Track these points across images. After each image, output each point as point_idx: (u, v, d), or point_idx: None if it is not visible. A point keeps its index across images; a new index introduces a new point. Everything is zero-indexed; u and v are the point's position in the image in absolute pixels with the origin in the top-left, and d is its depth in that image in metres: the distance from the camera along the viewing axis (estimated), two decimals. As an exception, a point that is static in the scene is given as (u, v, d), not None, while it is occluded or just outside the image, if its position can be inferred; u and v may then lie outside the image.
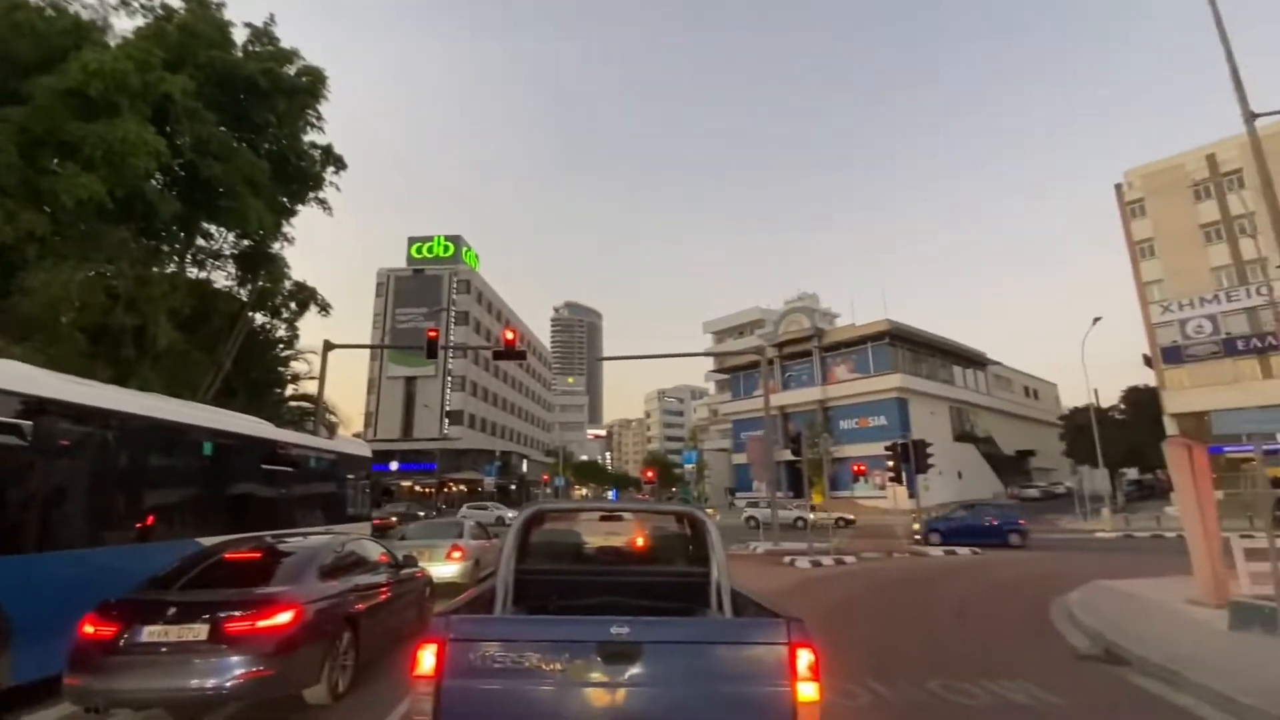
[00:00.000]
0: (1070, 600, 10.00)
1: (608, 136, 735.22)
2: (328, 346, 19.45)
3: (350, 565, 6.41)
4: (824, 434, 46.86)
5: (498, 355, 20.66)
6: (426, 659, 2.77)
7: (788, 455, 40.04)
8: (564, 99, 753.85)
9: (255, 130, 17.58)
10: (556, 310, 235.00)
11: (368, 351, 67.32)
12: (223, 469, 8.90)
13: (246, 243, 18.48)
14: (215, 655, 4.54)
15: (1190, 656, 6.37)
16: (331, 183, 19.97)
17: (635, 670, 2.77)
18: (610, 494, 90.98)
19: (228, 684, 4.48)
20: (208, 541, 7.04)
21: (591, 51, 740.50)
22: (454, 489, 65.06)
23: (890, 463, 21.00)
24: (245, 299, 19.19)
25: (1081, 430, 41.00)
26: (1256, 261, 36.66)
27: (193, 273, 18.22)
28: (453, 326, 67.19)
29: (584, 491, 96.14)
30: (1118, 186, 44.07)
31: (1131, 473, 47.24)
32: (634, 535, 5.64)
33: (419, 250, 71.55)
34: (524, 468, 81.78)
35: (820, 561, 16.50)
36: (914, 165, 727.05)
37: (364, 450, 14.95)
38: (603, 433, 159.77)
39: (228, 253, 18.85)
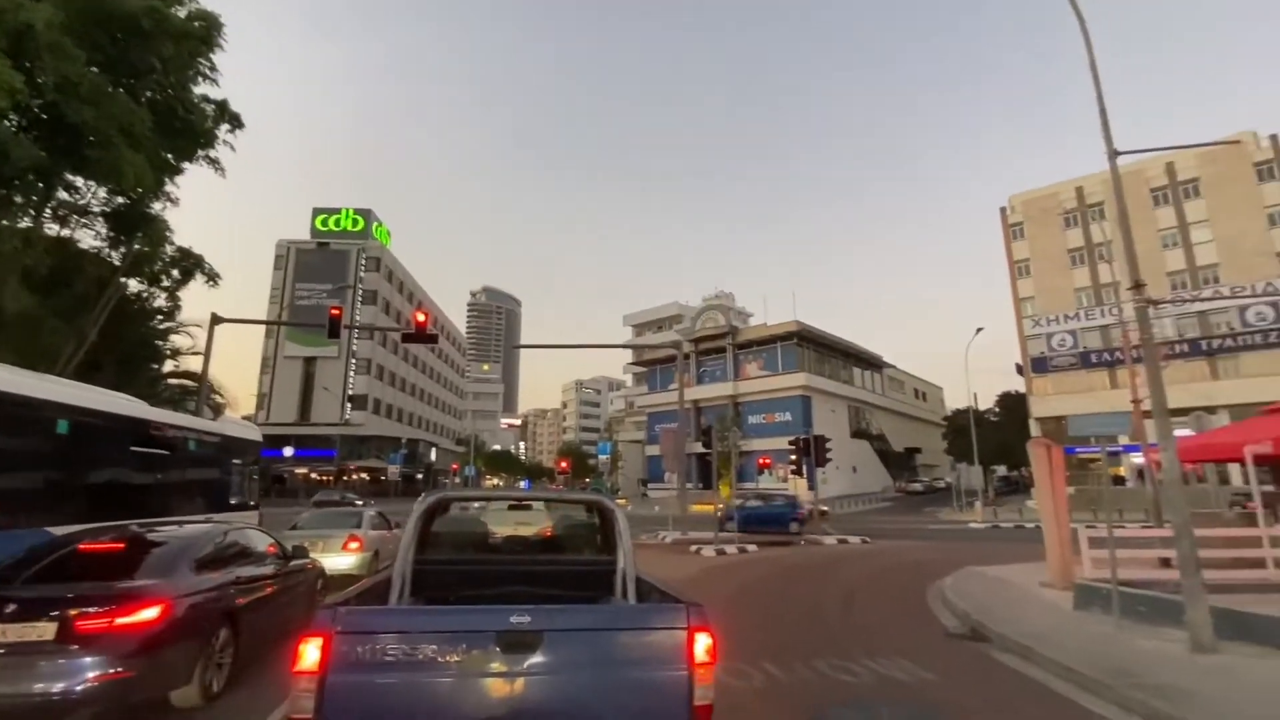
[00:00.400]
0: (944, 584, 10.94)
1: (533, 127, 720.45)
2: (215, 320, 17.87)
3: (232, 556, 5.96)
4: (734, 428, 48.52)
5: (407, 338, 19.70)
6: (310, 653, 2.62)
7: (699, 448, 41.18)
8: (490, 86, 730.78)
9: (136, 76, 15.75)
10: (474, 295, 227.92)
11: (262, 328, 62.60)
12: (82, 450, 8.01)
13: (121, 200, 16.55)
14: (64, 656, 4.07)
15: (1040, 633, 7.14)
16: (226, 141, 18.26)
17: (535, 659, 2.75)
18: (523, 484, 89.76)
19: (78, 688, 4.03)
20: (60, 531, 6.22)
21: (522, 39, 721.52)
22: (355, 477, 61.82)
23: (793, 456, 22.05)
24: (118, 263, 17.23)
25: (961, 430, 44.94)
26: (1111, 285, 41.34)
27: (53, 230, 16.13)
28: (359, 305, 63.65)
29: (496, 481, 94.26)
30: (1002, 209, 48.44)
31: (1002, 469, 52.24)
32: (543, 525, 5.60)
33: (324, 222, 67.00)
34: (432, 456, 78.98)
35: (725, 550, 17.09)
36: (828, 178, 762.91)
37: (252, 433, 13.95)
38: (518, 422, 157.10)
39: (97, 209, 16.81)
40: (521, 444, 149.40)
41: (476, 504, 7.08)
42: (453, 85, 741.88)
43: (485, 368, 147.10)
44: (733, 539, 18.80)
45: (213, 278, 19.57)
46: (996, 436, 45.62)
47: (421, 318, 19.17)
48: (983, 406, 50.72)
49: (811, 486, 30.81)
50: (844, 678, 5.85)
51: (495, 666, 2.73)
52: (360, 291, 64.35)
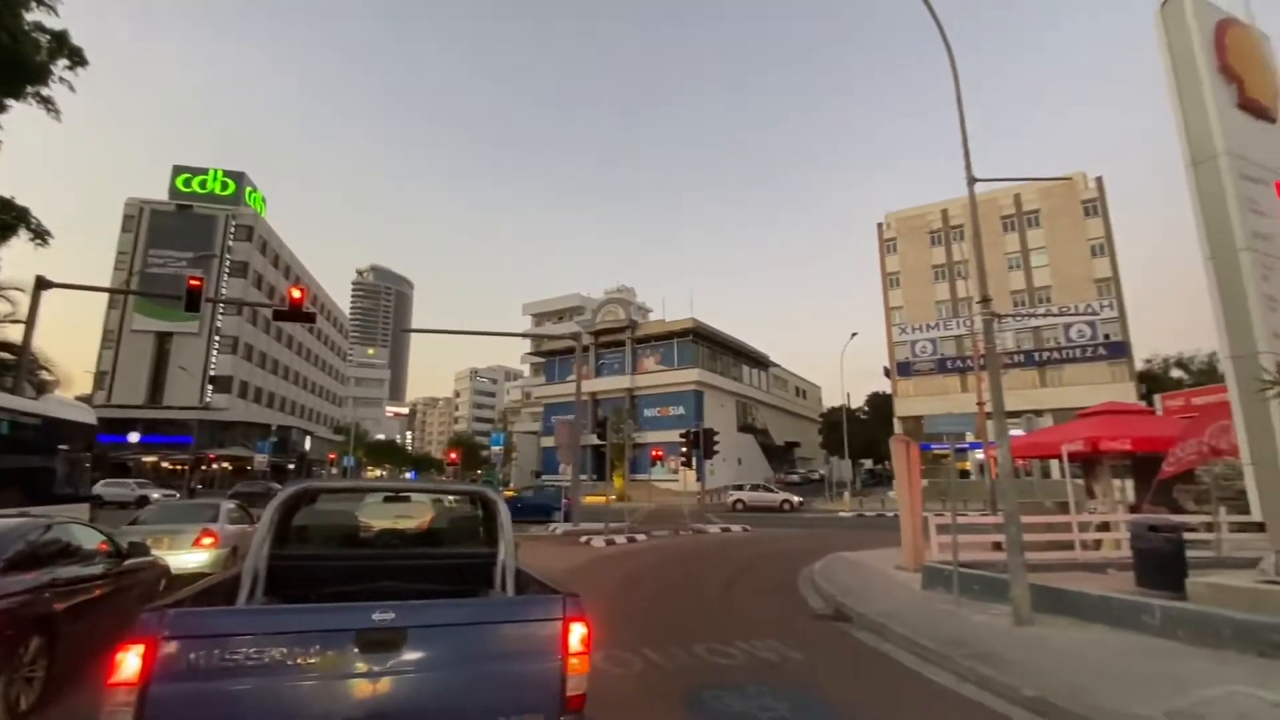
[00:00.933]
0: (814, 569, 11.77)
1: (433, 111, 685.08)
2: (41, 284, 15.43)
3: (51, 555, 5.20)
4: (629, 420, 49.21)
5: (280, 315, 18.01)
6: (129, 662, 2.34)
7: (595, 439, 41.39)
8: (391, 66, 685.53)
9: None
10: (361, 274, 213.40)
11: (106, 297, 54.94)
12: None
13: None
14: None
15: (892, 612, 7.87)
16: (63, 79, 15.80)
17: (399, 657, 2.63)
18: (409, 476, 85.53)
19: None
20: None
21: (420, 24, 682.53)
22: (215, 467, 56.01)
23: (684, 449, 22.74)
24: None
25: (835, 427, 48.48)
26: (965, 300, 46.37)
27: None
28: (226, 277, 57.62)
29: (379, 473, 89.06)
30: (879, 225, 52.68)
31: (869, 463, 56.96)
32: (423, 518, 5.36)
33: (187, 183, 59.83)
34: (307, 445, 73.19)
35: (614, 540, 17.31)
36: (721, 179, 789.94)
37: (82, 415, 12.39)
38: (405, 410, 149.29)
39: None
40: (409, 434, 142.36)
41: (350, 496, 6.64)
42: (347, 60, 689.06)
43: (371, 352, 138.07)
44: (623, 529, 19.08)
45: (41, 235, 16.88)
46: (865, 433, 49.66)
47: (297, 294, 17.63)
48: (855, 405, 55.13)
49: (700, 478, 31.99)
50: (720, 660, 6.13)
51: (354, 667, 2.57)
52: (228, 262, 58.22)
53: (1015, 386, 40.42)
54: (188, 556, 9.48)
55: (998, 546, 10.25)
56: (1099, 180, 45.09)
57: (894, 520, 12.13)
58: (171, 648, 2.39)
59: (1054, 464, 30.66)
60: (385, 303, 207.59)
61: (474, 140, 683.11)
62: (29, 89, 15.34)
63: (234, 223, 59.75)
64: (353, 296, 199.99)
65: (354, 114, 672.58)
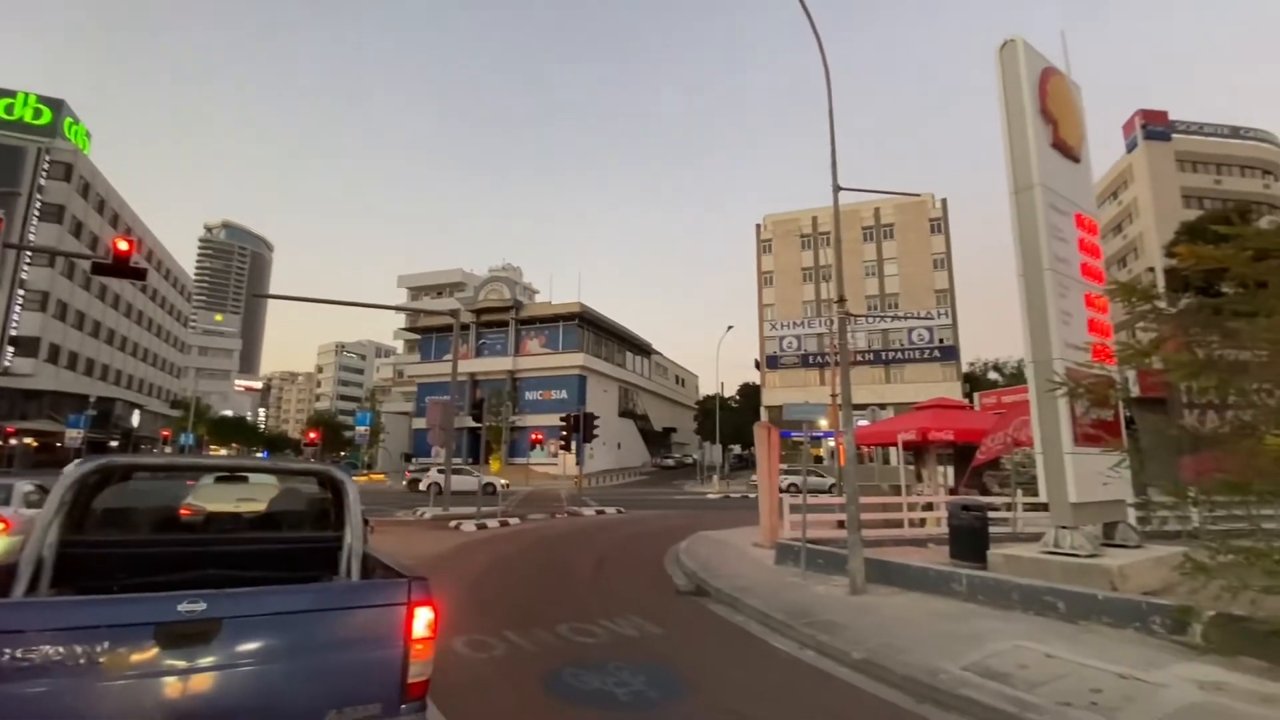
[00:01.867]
0: (680, 548, 12.29)
1: (309, 64, 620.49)
2: None
3: None
4: (509, 403, 48.19)
5: (100, 270, 15.33)
6: None
7: (470, 421, 40.06)
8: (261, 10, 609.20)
9: None
10: (210, 230, 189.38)
11: None
12: None
13: None
14: None
15: (747, 586, 8.42)
16: None
17: (212, 653, 2.38)
18: (261, 455, 77.83)
19: None
20: None
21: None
22: (14, 442, 47.48)
23: (564, 433, 22.68)
24: None
25: (709, 414, 50.81)
26: (828, 301, 50.26)
27: None
28: (35, 221, 48.66)
29: (223, 452, 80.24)
30: (757, 226, 55.56)
31: (738, 449, 60.26)
32: (267, 500, 4.89)
33: (-18, 104, 49.62)
34: (134, 420, 64.13)
35: (485, 524, 16.94)
36: (617, 174, 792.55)
37: None
38: (258, 385, 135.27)
39: None
40: (262, 411, 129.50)
41: (175, 475, 5.92)
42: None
43: (219, 318, 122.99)
44: (496, 513, 18.72)
45: None
46: (736, 420, 52.44)
47: (124, 245, 15.22)
48: (728, 394, 58.00)
49: (579, 462, 32.09)
50: (582, 639, 6.23)
51: (158, 665, 2.29)
52: (38, 203, 49.19)
53: (864, 381, 44.70)
54: (-36, 547, 8.01)
55: (841, 525, 11.30)
56: (943, 201, 50.77)
57: (755, 501, 12.96)
58: None
59: (892, 451, 34.30)
60: (239, 264, 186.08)
61: (345, 98, 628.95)
62: None
63: (48, 157, 50.49)
64: (199, 255, 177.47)
65: (211, 57, 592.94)
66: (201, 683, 2.34)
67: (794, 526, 10.83)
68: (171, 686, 2.30)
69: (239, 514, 4.43)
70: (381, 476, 49.68)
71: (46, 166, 50.30)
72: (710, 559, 10.81)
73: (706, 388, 77.99)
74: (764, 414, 48.17)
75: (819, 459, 43.76)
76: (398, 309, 60.74)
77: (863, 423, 17.30)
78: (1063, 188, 9.30)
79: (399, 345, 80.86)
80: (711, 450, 39.85)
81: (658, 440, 66.47)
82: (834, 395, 17.40)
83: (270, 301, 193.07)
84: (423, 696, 2.75)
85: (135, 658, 2.26)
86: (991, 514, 10.00)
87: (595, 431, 23.20)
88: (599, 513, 21.51)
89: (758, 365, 53.31)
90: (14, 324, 48.14)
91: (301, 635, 2.57)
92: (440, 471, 26.46)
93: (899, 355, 49.36)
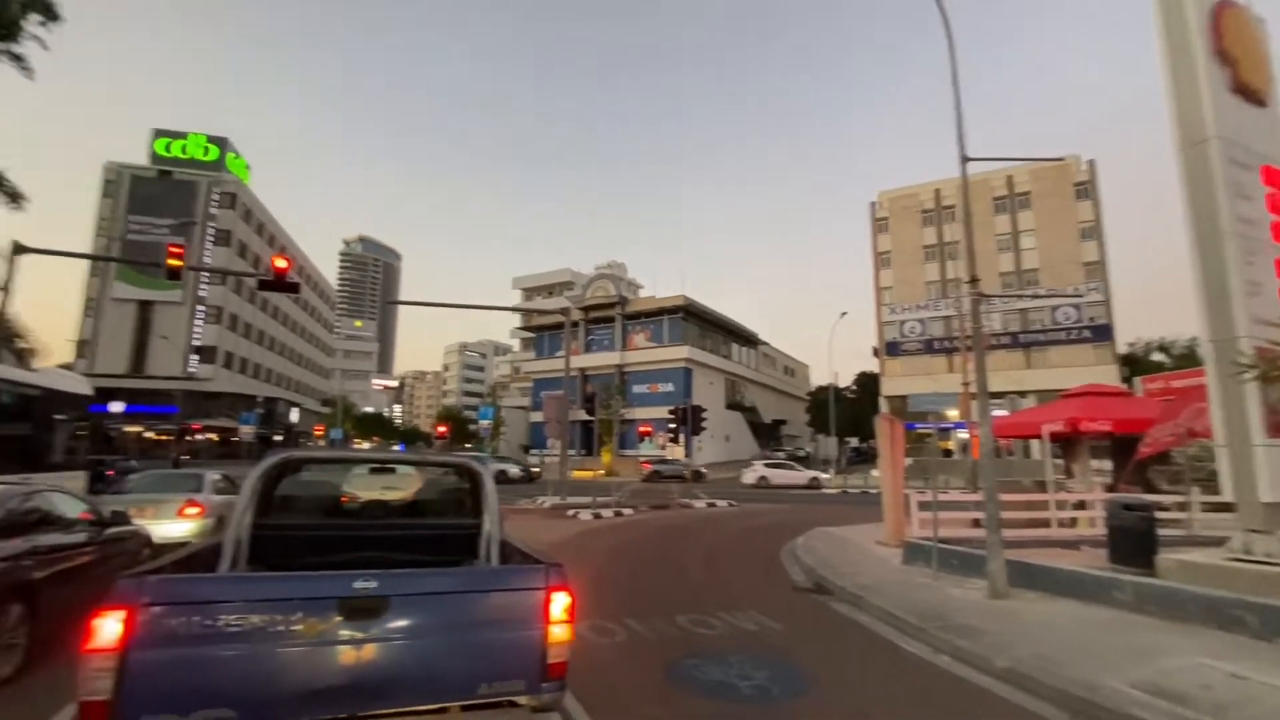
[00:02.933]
0: (796, 544, 11.97)
1: (430, 87, 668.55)
2: (18, 249, 15.05)
3: (31, 523, 5.17)
4: (618, 396, 49.30)
5: (264, 285, 17.68)
6: (107, 628, 2.34)
7: (583, 415, 41.52)
8: (373, 32, 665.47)
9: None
10: (348, 244, 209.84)
11: (86, 265, 53.82)
12: None
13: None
14: None
15: (872, 585, 8.04)
16: (35, 36, 15.18)
17: (381, 625, 2.67)
18: (398, 448, 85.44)
19: None
20: None
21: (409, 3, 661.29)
22: (201, 438, 55.66)
23: (672, 425, 22.86)
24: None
25: (822, 405, 48.93)
26: (955, 280, 46.46)
27: None
28: (209, 246, 56.52)
29: (366, 445, 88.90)
30: (871, 204, 52.47)
31: (854, 441, 57.59)
32: (411, 489, 5.36)
33: (167, 147, 58.25)
34: (294, 417, 72.82)
35: (601, 514, 17.47)
36: (717, 164, 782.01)
37: (78, 386, 12.39)
38: (394, 383, 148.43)
39: None
40: (397, 407, 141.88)
41: (335, 466, 6.63)
42: (336, 30, 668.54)
43: (358, 324, 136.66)
44: (611, 504, 19.25)
45: (15, 198, 16.40)
46: (852, 412, 50.19)
47: (282, 263, 17.34)
48: (843, 384, 55.53)
49: (688, 454, 32.27)
50: (701, 630, 6.25)
51: (337, 634, 2.61)
52: (211, 230, 57.08)
53: (1000, 368, 40.93)
54: (172, 526, 9.46)
55: (977, 523, 10.46)
56: (1091, 163, 45.12)
57: (877, 497, 12.31)
58: (151, 614, 2.40)
59: (1035, 444, 31.20)
60: (373, 274, 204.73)
61: (465, 113, 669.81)
62: (-1, 46, 14.75)
63: (216, 190, 58.43)
64: (340, 268, 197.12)
65: (339, 84, 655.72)
66: (373, 651, 2.64)
67: (923, 524, 10.17)
68: (349, 654, 2.61)
69: (387, 501, 4.89)
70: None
71: (215, 198, 58.12)
72: (830, 556, 10.43)
73: (819, 377, 75.21)
74: (884, 404, 45.63)
75: (948, 452, 40.79)
76: (512, 309, 64.02)
77: (1000, 413, 15.89)
78: (1247, 137, 7.96)
79: (515, 343, 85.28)
80: (826, 443, 38.46)
81: (767, 433, 65.08)
82: (965, 383, 16.10)
83: (401, 306, 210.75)
84: (562, 677, 2.90)
85: (321, 627, 2.59)
86: (1160, 514, 8.81)
87: (703, 424, 23.15)
88: (710, 505, 21.46)
89: (875, 353, 50.44)
90: (196, 335, 56.16)
91: (454, 613, 2.81)
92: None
93: (1041, 337, 44.54)
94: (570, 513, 17.80)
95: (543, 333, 61.65)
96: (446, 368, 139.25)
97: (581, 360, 53.86)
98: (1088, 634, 5.88)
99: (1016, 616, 6.54)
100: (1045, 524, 11.26)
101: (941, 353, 46.48)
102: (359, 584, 2.68)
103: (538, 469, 35.28)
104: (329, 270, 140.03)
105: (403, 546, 4.09)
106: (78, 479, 10.78)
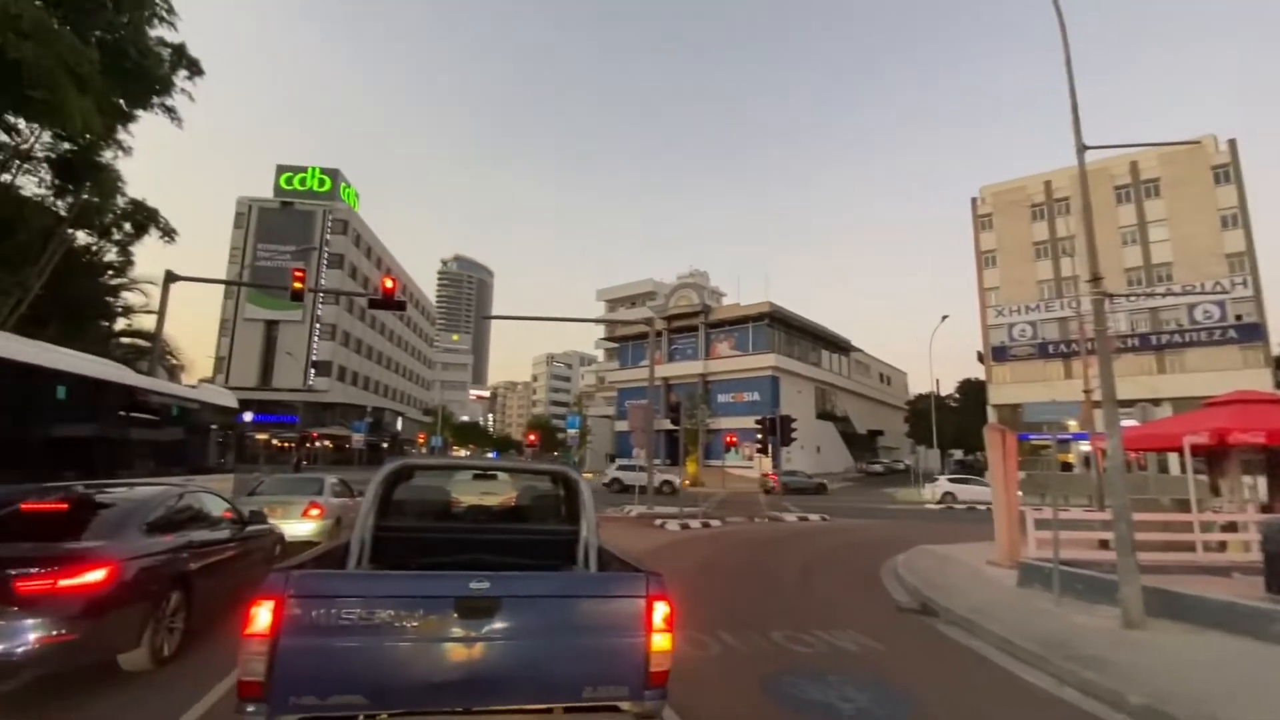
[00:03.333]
0: (897, 561, 11.34)
1: (511, 104, 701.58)
2: (170, 277, 17.14)
3: (186, 520, 5.82)
4: (703, 406, 48.96)
5: (374, 304, 19.24)
6: (262, 616, 2.61)
7: (667, 424, 41.55)
8: (466, 61, 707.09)
9: (83, 14, 14.75)
10: (444, 263, 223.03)
11: (221, 289, 60.37)
12: (83, 413, 8.79)
13: (67, 147, 15.65)
14: (3, 618, 3.95)
15: (984, 608, 7.47)
16: (184, 90, 17.33)
17: (493, 624, 2.79)
18: (491, 456, 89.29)
19: (19, 650, 3.92)
20: (70, 480, 6.92)
21: (496, 14, 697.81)
22: (318, 445, 60.68)
23: (760, 435, 22.38)
24: (64, 213, 16.34)
25: (922, 415, 46.25)
26: (1071, 279, 42.63)
27: (-9, 174, 15.20)
28: (324, 269, 61.72)
29: (463, 452, 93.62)
30: (973, 200, 49.24)
31: (958, 453, 53.96)
32: (508, 495, 5.59)
33: (289, 181, 64.43)
34: (399, 426, 77.89)
35: (689, 525, 17.37)
36: (802, 165, 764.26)
37: (229, 401, 14.23)
38: (486, 394, 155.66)
39: (41, 155, 15.87)
40: (490, 416, 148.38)
41: (441, 472, 7.03)
42: (426, 52, 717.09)
43: (455, 338, 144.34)
44: (697, 514, 19.11)
45: (169, 233, 18.76)
46: (955, 421, 47.16)
47: (389, 284, 18.72)
48: (944, 392, 52.27)
49: (776, 465, 31.49)
50: (798, 648, 6.04)
51: (453, 631, 2.75)
52: (326, 254, 62.39)
53: (1128, 373, 36.89)
54: (298, 525, 10.34)
55: (1104, 545, 9.48)
56: (1231, 143, 40.04)
57: (985, 514, 11.46)
58: (297, 605, 2.65)
59: (1173, 458, 27.88)
60: (467, 291, 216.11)
61: (544, 130, 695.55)
62: (154, 100, 16.93)
63: (330, 217, 63.85)
64: (438, 284, 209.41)
65: (433, 108, 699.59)
66: (485, 649, 2.77)
67: (1041, 545, 9.35)
68: (462, 650, 2.75)
69: (490, 506, 5.12)
70: (591, 475, 53.77)
71: (329, 224, 63.49)
72: (936, 576, 9.80)
73: (918, 385, 71.26)
74: (992, 414, 42.49)
75: (1068, 466, 37.35)
76: (596, 321, 65.34)
77: (1130, 423, 14.39)
78: None
79: (599, 354, 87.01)
80: (927, 455, 36.27)
81: (862, 444, 62.33)
82: (1087, 391, 14.69)
83: (493, 320, 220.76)
84: (664, 685, 2.91)
85: (439, 623, 2.75)
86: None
87: (793, 434, 22.51)
88: (801, 519, 20.80)
89: (981, 358, 47.06)
90: (314, 351, 61.40)
91: (560, 616, 2.90)
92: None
93: (1176, 339, 39.83)
94: (657, 522, 17.83)
95: (626, 343, 62.47)
96: (535, 378, 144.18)
97: (665, 369, 54.01)
98: (1242, 671, 5.17)
99: (1155, 649, 5.86)
100: (1189, 548, 10.02)
101: (1057, 357, 42.70)
102: (474, 584, 2.82)
103: (681, 479, 34.36)
104: (428, 287, 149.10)
105: (505, 550, 4.25)
106: (227, 481, 12.33)
